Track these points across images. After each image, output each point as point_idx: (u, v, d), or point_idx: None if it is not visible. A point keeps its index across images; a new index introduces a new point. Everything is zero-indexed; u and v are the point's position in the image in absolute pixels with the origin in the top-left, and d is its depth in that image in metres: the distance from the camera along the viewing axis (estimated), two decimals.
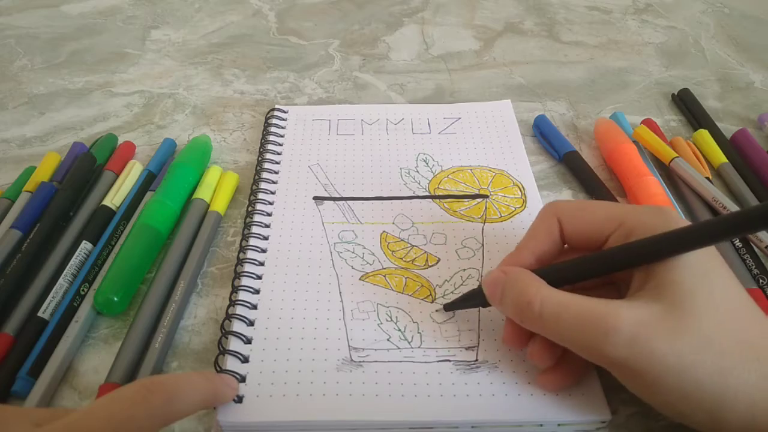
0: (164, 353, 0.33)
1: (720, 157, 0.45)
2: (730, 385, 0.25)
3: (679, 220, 0.28)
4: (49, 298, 0.35)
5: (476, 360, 0.32)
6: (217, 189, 0.43)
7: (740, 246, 0.38)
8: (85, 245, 0.38)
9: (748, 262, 0.37)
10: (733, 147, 0.46)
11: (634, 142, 0.46)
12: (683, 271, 0.26)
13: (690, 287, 0.26)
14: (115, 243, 0.39)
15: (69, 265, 0.37)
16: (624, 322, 0.25)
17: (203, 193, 0.42)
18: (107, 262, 0.37)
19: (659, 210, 0.29)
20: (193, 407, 0.27)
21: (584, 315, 0.26)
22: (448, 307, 0.34)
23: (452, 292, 0.35)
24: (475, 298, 0.32)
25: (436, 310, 0.34)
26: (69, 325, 0.34)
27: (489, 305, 0.31)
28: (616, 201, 0.42)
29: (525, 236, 0.32)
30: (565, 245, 0.32)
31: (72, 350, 0.34)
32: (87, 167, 0.43)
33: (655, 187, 0.41)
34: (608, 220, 0.30)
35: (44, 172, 0.43)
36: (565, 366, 0.30)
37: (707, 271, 0.27)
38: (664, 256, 0.27)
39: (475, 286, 0.35)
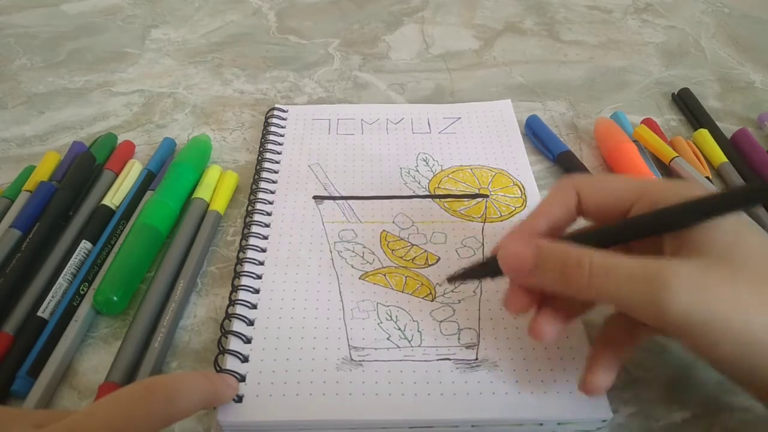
0: (164, 353, 0.33)
1: (720, 157, 0.45)
2: None
3: (703, 189, 0.28)
4: (49, 297, 0.35)
5: (476, 359, 0.32)
6: (216, 188, 0.43)
7: None
8: (85, 245, 0.38)
9: None
10: (733, 147, 0.46)
11: (635, 141, 0.46)
12: (718, 231, 0.26)
13: (729, 243, 0.26)
14: (115, 242, 0.39)
15: (68, 264, 0.37)
16: (681, 273, 0.24)
17: (203, 192, 0.42)
18: (107, 262, 0.37)
19: (681, 182, 0.28)
20: (194, 407, 0.27)
21: (638, 271, 0.25)
22: (452, 279, 0.33)
23: (452, 291, 0.35)
24: (486, 270, 0.31)
25: (438, 284, 0.35)
26: (68, 325, 0.34)
27: (499, 276, 0.30)
28: None
29: (539, 205, 0.31)
30: (579, 217, 0.31)
31: (71, 350, 0.34)
32: (86, 166, 0.43)
33: None
34: (630, 190, 0.29)
35: (44, 171, 0.43)
36: (601, 363, 0.29)
37: (741, 230, 0.26)
38: (706, 217, 0.26)
39: (475, 285, 0.35)
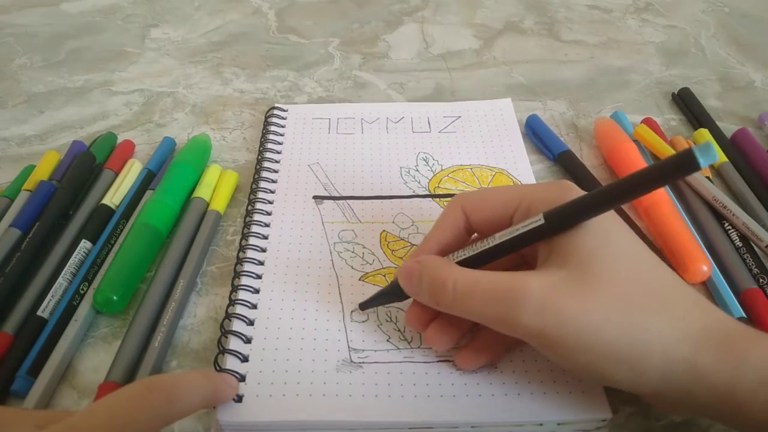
0: (164, 352, 0.33)
1: (720, 157, 0.45)
2: (643, 337, 0.25)
3: (577, 191, 0.29)
4: (49, 296, 0.35)
5: None
6: (216, 188, 0.43)
7: (740, 246, 0.38)
8: (85, 244, 0.38)
9: (748, 261, 0.37)
10: (733, 146, 0.46)
11: (635, 141, 0.45)
12: (584, 237, 0.27)
13: (592, 249, 0.27)
14: (115, 242, 0.39)
15: (68, 264, 0.37)
16: (532, 290, 0.26)
17: (203, 192, 0.42)
18: (107, 261, 0.37)
19: (557, 184, 0.30)
20: (194, 406, 0.27)
21: (494, 288, 0.27)
22: (364, 306, 0.34)
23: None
24: (392, 293, 0.32)
25: (352, 311, 0.34)
26: (68, 324, 0.34)
27: (405, 298, 0.31)
28: None
29: (432, 228, 0.32)
30: (475, 234, 0.33)
31: (71, 349, 0.34)
32: (86, 166, 0.43)
33: None
34: (508, 201, 0.30)
35: (44, 170, 0.43)
36: (480, 343, 0.31)
37: (608, 233, 0.27)
38: (560, 227, 0.27)
39: None
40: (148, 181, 0.43)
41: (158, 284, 0.36)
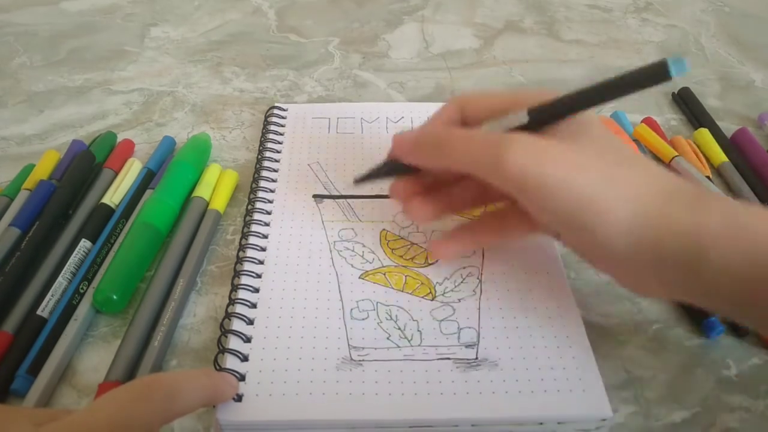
0: (163, 351, 0.33)
1: (720, 156, 0.45)
2: (619, 188, 0.28)
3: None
4: (48, 296, 0.35)
5: (476, 358, 0.32)
6: (216, 187, 0.43)
7: None
8: (84, 243, 0.38)
9: None
10: (733, 146, 0.46)
11: (635, 140, 0.45)
12: (568, 123, 0.30)
13: (574, 131, 0.30)
14: (114, 241, 0.39)
15: (68, 263, 0.37)
16: (522, 137, 0.29)
17: (203, 191, 0.42)
18: (106, 261, 0.37)
19: (550, 91, 0.31)
20: (194, 405, 0.27)
21: (489, 137, 0.30)
22: (358, 181, 0.37)
23: (452, 290, 0.35)
24: (385, 165, 0.36)
25: (354, 180, 0.38)
26: (68, 324, 0.34)
27: (399, 171, 0.35)
28: None
29: (427, 119, 0.35)
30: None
31: (71, 348, 0.33)
32: (86, 165, 0.43)
33: None
34: (503, 101, 0.32)
35: (43, 170, 0.43)
36: (454, 233, 0.35)
37: (587, 122, 0.30)
38: (541, 123, 0.30)
39: (475, 284, 0.35)
40: (147, 180, 0.43)
41: (158, 283, 0.36)
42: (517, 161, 0.28)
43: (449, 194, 0.35)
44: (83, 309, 0.35)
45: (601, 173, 0.28)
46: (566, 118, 0.30)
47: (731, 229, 0.26)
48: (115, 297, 0.35)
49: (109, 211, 0.41)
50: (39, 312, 0.34)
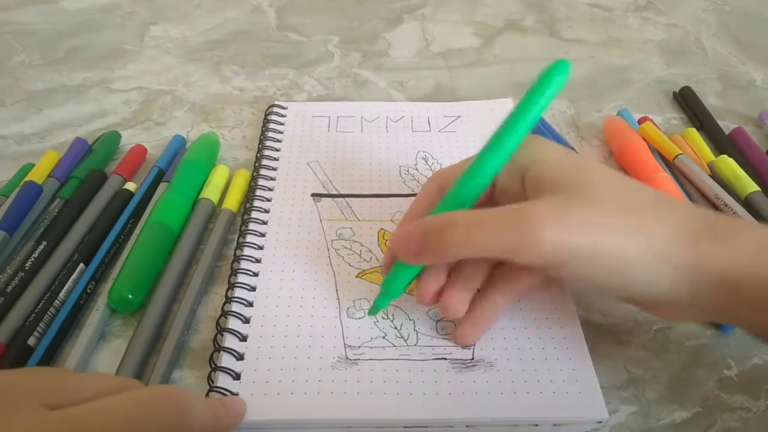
0: (177, 353, 0.33)
1: (708, 156, 0.45)
2: (645, 241, 0.27)
3: (552, 148, 0.32)
4: (60, 295, 0.35)
5: (472, 358, 0.32)
6: (230, 187, 0.42)
7: None
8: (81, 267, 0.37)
9: None
10: (731, 145, 0.46)
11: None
12: (562, 172, 0.29)
13: (577, 179, 0.28)
14: (125, 242, 0.38)
15: (70, 280, 0.36)
16: (543, 210, 0.27)
17: (211, 191, 0.41)
18: (119, 260, 0.37)
19: (523, 146, 0.30)
20: (203, 426, 0.26)
21: (505, 214, 0.27)
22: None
23: None
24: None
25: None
26: (83, 326, 0.34)
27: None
28: None
29: (409, 205, 0.34)
30: None
31: (87, 352, 0.33)
32: (97, 184, 0.42)
33: (669, 183, 0.41)
34: None
35: (42, 169, 0.43)
36: (473, 314, 0.31)
37: (579, 166, 0.30)
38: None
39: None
40: (158, 179, 0.43)
41: (166, 284, 0.35)
42: (548, 240, 0.26)
43: (462, 268, 0.32)
44: (96, 310, 0.34)
45: (628, 231, 0.27)
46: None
47: (761, 267, 0.26)
48: (130, 296, 0.34)
49: (106, 227, 0.40)
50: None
